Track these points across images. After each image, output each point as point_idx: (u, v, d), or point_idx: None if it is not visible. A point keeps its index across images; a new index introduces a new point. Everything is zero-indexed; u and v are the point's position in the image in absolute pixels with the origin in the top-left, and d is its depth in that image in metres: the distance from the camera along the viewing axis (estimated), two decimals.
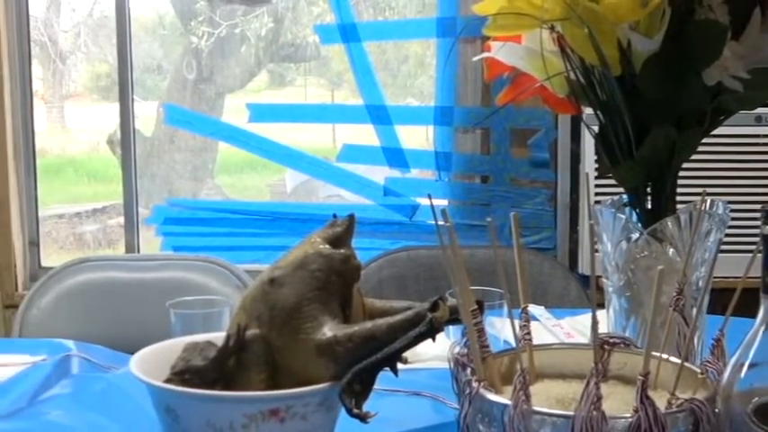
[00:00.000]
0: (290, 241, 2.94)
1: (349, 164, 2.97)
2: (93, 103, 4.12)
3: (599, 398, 0.81)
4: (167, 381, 1.07)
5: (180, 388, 1.04)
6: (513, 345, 1.01)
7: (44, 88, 3.84)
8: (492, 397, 0.88)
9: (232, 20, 3.28)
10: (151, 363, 1.13)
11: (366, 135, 2.98)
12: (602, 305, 1.21)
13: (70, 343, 1.70)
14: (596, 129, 1.18)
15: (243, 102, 3.14)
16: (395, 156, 2.90)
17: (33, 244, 2.99)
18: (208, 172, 3.53)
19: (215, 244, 2.99)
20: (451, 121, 2.84)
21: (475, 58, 1.43)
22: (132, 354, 1.20)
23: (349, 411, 0.99)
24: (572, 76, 1.16)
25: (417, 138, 3.13)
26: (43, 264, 3.03)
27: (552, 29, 1.14)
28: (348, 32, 2.87)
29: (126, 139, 2.98)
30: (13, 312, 2.41)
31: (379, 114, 2.89)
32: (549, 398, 0.94)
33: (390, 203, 2.93)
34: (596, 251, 1.04)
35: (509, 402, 0.85)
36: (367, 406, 1.01)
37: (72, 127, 4.52)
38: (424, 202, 2.92)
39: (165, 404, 1.05)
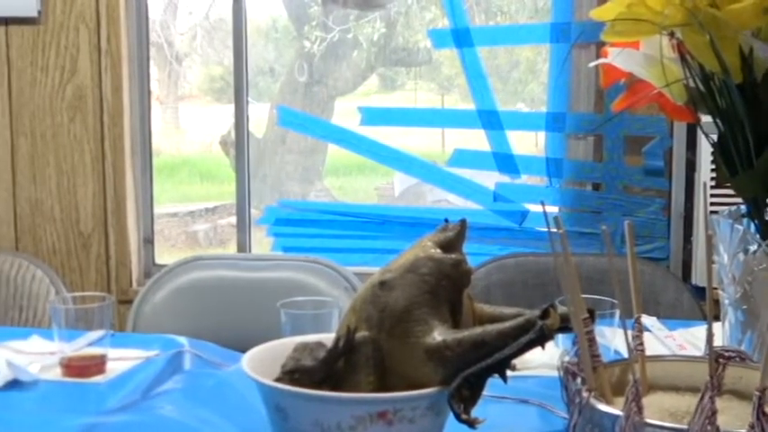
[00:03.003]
0: (399, 244, 2.93)
1: (458, 168, 2.96)
2: (206, 104, 4.19)
3: (714, 412, 0.79)
4: (277, 380, 1.08)
5: (290, 387, 1.05)
6: (624, 355, 1.00)
7: (160, 89, 3.92)
8: (603, 407, 0.87)
9: (345, 24, 3.31)
10: (262, 361, 1.14)
11: (475, 140, 2.97)
12: (717, 318, 1.19)
13: (183, 339, 1.73)
14: (714, 137, 1.15)
15: (353, 105, 3.16)
16: (505, 161, 2.89)
17: (148, 241, 3.05)
18: (317, 174, 3.56)
19: (324, 245, 3.02)
20: (564, 128, 2.81)
21: (591, 64, 1.41)
22: (242, 351, 1.21)
23: (457, 416, 0.98)
24: (691, 83, 1.14)
25: (526, 143, 3.10)
26: (157, 261, 3.09)
27: (672, 35, 1.12)
28: (461, 37, 2.87)
29: (240, 141, 3.02)
30: (127, 308, 2.46)
31: (490, 119, 2.88)
32: (661, 410, 0.93)
33: (500, 209, 2.92)
34: (712, 262, 1.02)
35: (620, 413, 0.83)
36: (475, 412, 1.00)
37: (186, 128, 4.61)
38: (534, 208, 2.89)
39: (275, 402, 1.07)
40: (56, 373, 1.57)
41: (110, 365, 1.59)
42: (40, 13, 2.88)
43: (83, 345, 1.59)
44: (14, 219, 2.98)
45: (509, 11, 3.20)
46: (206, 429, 1.32)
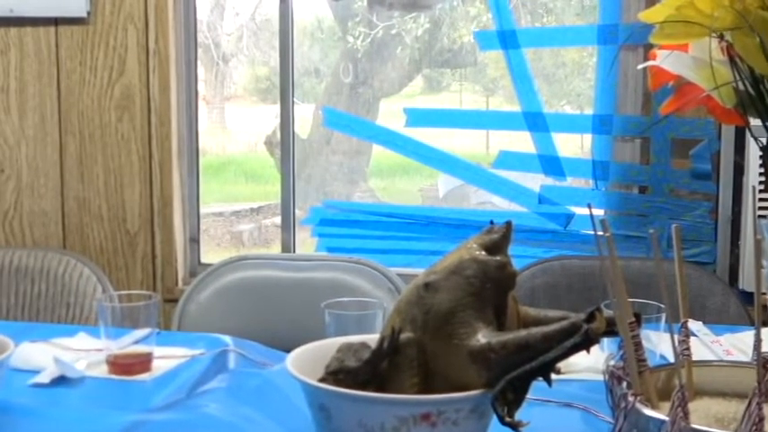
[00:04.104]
0: (443, 246, 2.93)
1: (503, 170, 2.96)
2: (251, 104, 4.21)
3: (761, 419, 0.78)
4: (321, 380, 1.08)
5: (334, 387, 1.06)
6: (670, 360, 0.99)
7: (206, 89, 3.95)
8: (648, 412, 0.87)
9: (389, 21, 3.31)
10: (306, 361, 1.15)
11: (520, 142, 2.96)
12: (765, 323, 1.17)
13: (227, 338, 1.74)
14: (763, 140, 1.14)
15: (397, 106, 3.16)
16: (551, 163, 2.87)
17: (194, 240, 3.07)
18: (362, 175, 3.57)
19: (368, 246, 3.02)
20: (610, 130, 2.79)
21: (639, 66, 1.40)
22: (286, 351, 1.22)
23: (501, 419, 0.98)
24: (740, 86, 1.12)
25: (571, 146, 3.09)
26: (202, 260, 3.11)
27: (721, 38, 1.11)
28: (507, 39, 2.86)
29: (285, 141, 3.03)
30: (172, 306, 2.48)
31: (536, 121, 2.87)
32: (707, 416, 0.92)
33: (545, 211, 2.90)
34: (761, 267, 1.01)
35: (666, 419, 0.83)
36: (518, 415, 1.00)
37: (231, 128, 4.63)
38: (579, 211, 2.88)
39: (319, 402, 1.07)
40: (102, 371, 1.59)
41: (155, 363, 1.60)
42: (89, 13, 2.91)
43: (129, 342, 1.61)
44: (62, 217, 3.01)
45: (555, 11, 3.19)
46: (250, 428, 1.33)
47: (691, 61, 1.17)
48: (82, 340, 1.76)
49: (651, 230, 1.01)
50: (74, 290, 2.39)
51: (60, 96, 2.97)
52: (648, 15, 1.15)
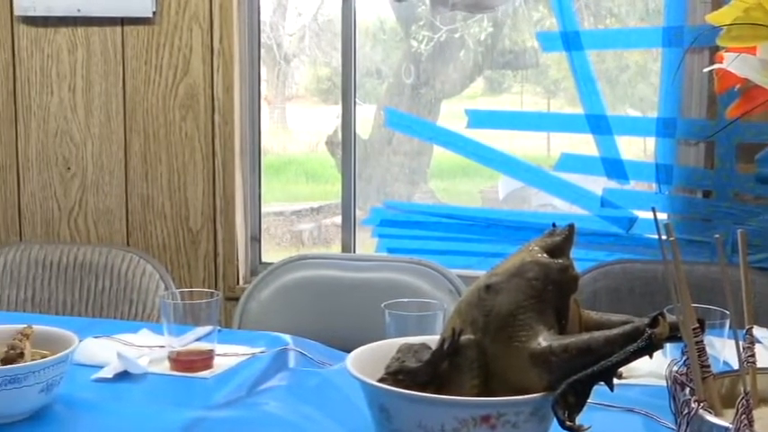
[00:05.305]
0: (504, 248, 2.92)
1: (565, 173, 2.94)
2: (313, 105, 4.23)
3: None
4: (381, 380, 1.09)
5: (394, 388, 1.06)
6: (734, 366, 0.98)
7: (268, 89, 3.97)
8: (712, 419, 0.86)
9: (452, 24, 3.30)
10: (366, 361, 1.15)
11: (581, 144, 2.94)
12: None
13: (287, 337, 1.75)
14: None
15: (457, 107, 3.15)
16: (614, 166, 2.85)
17: (255, 239, 3.10)
18: (422, 176, 3.57)
19: (428, 247, 3.02)
20: (674, 133, 2.76)
21: (705, 69, 1.38)
22: (345, 351, 1.22)
23: (562, 423, 0.98)
24: None
25: (634, 149, 3.06)
26: (263, 259, 3.13)
27: None
28: (571, 40, 2.84)
29: (347, 141, 3.04)
30: (233, 304, 2.50)
31: (599, 124, 2.85)
32: None
33: (607, 215, 2.88)
34: None
35: (730, 426, 0.82)
36: (579, 419, 1.00)
37: (293, 128, 4.65)
38: (642, 214, 2.85)
39: (379, 403, 1.07)
40: (164, 367, 1.61)
41: (216, 361, 1.62)
42: (154, 13, 2.94)
43: (191, 340, 1.63)
44: (126, 215, 3.05)
45: (619, 13, 3.16)
46: (310, 427, 1.34)
47: (758, 64, 1.16)
48: (144, 337, 1.78)
49: (717, 235, 1.00)
50: (137, 287, 2.42)
51: (126, 95, 3.01)
52: (715, 17, 1.14)
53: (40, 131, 3.07)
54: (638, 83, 3.22)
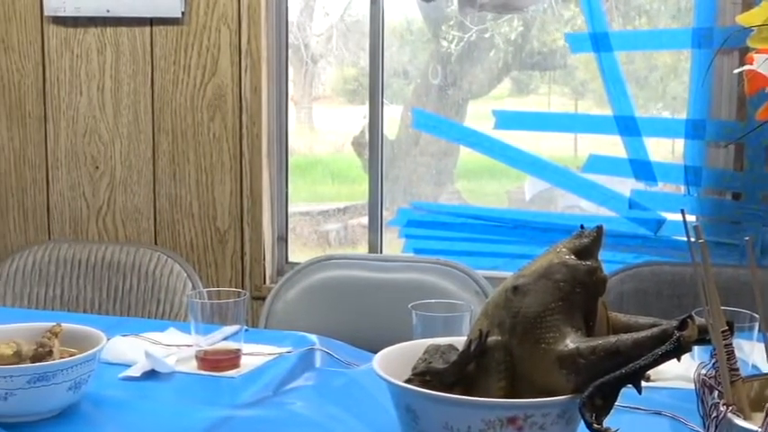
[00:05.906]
0: (531, 250, 2.91)
1: (593, 174, 2.92)
2: (339, 105, 4.23)
3: None
4: (408, 381, 1.09)
5: (420, 389, 1.06)
6: (763, 370, 0.97)
7: (295, 90, 3.98)
8: (740, 423, 0.85)
9: (482, 24, 3.30)
10: (393, 362, 1.15)
11: (608, 145, 2.93)
12: None
13: (314, 337, 1.75)
14: None
15: (484, 108, 3.14)
16: (642, 168, 2.83)
17: (281, 239, 3.10)
18: (449, 176, 3.56)
19: (455, 248, 3.01)
20: (704, 135, 2.74)
21: (736, 71, 1.37)
22: (371, 351, 1.22)
23: (589, 426, 0.97)
24: None
25: (662, 150, 3.04)
26: (290, 259, 3.13)
27: None
28: (600, 42, 2.83)
29: (374, 142, 3.04)
30: (260, 304, 2.51)
31: (627, 125, 2.83)
32: None
33: (635, 216, 2.87)
34: None
35: (759, 430, 0.81)
36: (607, 422, 0.99)
37: (319, 128, 4.66)
38: (670, 216, 2.83)
39: (405, 403, 1.07)
40: (191, 366, 1.61)
41: (243, 360, 1.62)
42: (183, 13, 2.96)
43: (218, 339, 1.63)
44: (154, 214, 3.07)
45: (650, 10, 3.14)
46: (336, 427, 1.34)
47: None
48: (172, 335, 1.79)
49: (747, 237, 0.99)
50: (164, 286, 2.43)
51: (154, 95, 3.02)
52: (746, 18, 1.13)
53: (69, 131, 3.09)
54: (668, 84, 3.20)
